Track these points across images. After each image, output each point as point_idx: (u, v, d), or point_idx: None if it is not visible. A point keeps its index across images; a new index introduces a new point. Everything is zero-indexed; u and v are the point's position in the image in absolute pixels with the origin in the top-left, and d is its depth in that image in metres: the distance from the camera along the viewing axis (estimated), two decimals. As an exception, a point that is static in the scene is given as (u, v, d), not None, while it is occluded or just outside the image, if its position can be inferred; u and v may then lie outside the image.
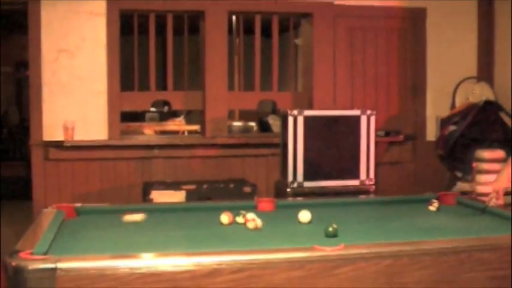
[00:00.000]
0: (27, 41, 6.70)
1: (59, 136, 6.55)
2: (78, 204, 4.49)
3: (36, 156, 6.64)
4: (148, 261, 3.02)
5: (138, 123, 8.28)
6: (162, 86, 7.28)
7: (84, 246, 3.52)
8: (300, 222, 4.13)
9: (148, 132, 7.70)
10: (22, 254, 2.98)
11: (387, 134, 7.10)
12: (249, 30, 7.45)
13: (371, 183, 6.22)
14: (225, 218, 4.02)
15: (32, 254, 3.01)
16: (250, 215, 3.96)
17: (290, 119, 6.05)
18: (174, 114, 8.89)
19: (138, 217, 4.14)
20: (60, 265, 2.86)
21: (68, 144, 6.50)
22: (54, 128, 6.60)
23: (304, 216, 4.13)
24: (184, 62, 7.35)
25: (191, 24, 7.33)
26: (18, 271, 2.88)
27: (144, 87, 7.09)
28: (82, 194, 6.56)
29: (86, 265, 2.93)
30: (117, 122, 6.76)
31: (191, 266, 2.99)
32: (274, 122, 8.62)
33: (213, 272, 2.97)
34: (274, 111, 8.19)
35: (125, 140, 6.80)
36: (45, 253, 3.07)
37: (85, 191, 6.62)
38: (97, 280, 2.88)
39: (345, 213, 4.37)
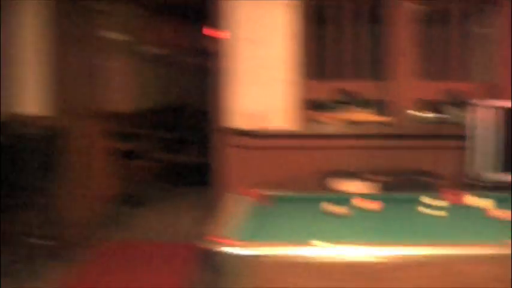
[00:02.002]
0: (209, 29, 6.81)
1: (243, 124, 6.67)
2: (269, 191, 4.57)
3: (220, 143, 6.79)
4: (349, 251, 3.02)
5: (323, 112, 8.27)
6: (348, 75, 7.21)
7: (279, 233, 3.57)
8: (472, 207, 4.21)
9: (333, 122, 7.68)
10: (224, 240, 3.06)
11: None
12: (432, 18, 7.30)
13: None
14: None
15: (237, 240, 3.07)
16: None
17: (477, 110, 5.89)
18: (358, 103, 8.80)
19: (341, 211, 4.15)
20: (263, 251, 2.91)
21: (254, 133, 6.61)
22: (238, 116, 6.73)
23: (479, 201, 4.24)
24: (373, 51, 7.30)
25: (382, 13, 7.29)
26: (222, 257, 2.95)
27: (330, 76, 7.08)
28: (264, 182, 6.63)
29: (288, 252, 2.97)
30: (303, 111, 6.80)
31: (387, 257, 2.98)
32: (455, 112, 8.42)
33: (422, 264, 2.98)
34: (456, 101, 7.99)
35: (311, 129, 6.82)
36: (245, 239, 3.14)
37: (267, 178, 6.69)
38: (298, 268, 2.91)
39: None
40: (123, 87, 10.49)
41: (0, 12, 6.80)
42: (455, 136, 6.50)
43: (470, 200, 4.42)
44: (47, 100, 6.91)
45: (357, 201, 4.32)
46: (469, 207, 4.35)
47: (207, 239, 3.09)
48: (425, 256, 3.01)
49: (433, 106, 8.08)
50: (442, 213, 4.09)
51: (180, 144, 11.49)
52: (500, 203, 4.35)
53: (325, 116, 7.74)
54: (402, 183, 6.23)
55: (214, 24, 6.90)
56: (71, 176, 7.06)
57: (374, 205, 4.28)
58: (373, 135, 6.81)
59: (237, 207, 4.04)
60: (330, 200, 4.29)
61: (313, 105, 7.28)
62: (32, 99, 6.91)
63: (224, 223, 3.55)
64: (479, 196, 4.43)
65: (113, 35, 9.24)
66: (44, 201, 6.30)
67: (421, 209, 4.18)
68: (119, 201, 8.92)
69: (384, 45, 6.99)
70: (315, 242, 3.05)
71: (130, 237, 7.91)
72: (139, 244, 7.61)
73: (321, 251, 3.00)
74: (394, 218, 4.07)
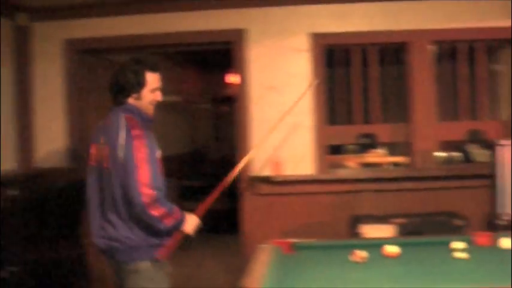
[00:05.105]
0: (226, 77, 6.87)
1: (267, 171, 6.67)
2: (295, 240, 4.55)
3: (245, 191, 6.78)
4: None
5: (341, 156, 8.27)
6: (366, 118, 7.20)
7: (307, 283, 3.54)
8: (502, 249, 4.23)
9: (351, 165, 7.68)
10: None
11: None
12: (451, 57, 7.28)
13: None
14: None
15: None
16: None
17: (500, 149, 5.86)
18: (380, 146, 8.76)
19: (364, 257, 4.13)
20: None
21: (277, 179, 6.61)
22: (263, 163, 6.73)
23: (507, 242, 4.25)
24: (389, 94, 7.29)
25: (394, 55, 7.29)
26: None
27: (349, 120, 7.09)
28: (290, 229, 6.62)
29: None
30: (323, 157, 6.80)
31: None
32: (477, 151, 8.38)
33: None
34: (477, 140, 7.96)
35: (332, 174, 6.81)
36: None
37: (293, 225, 6.67)
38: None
39: None
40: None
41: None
42: (481, 176, 6.45)
43: (498, 241, 4.37)
44: (68, 152, 6.94)
45: (383, 247, 4.28)
46: (497, 249, 4.30)
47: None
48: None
49: (457, 146, 8.06)
50: (469, 256, 4.05)
51: (201, 192, 11.44)
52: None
53: (347, 160, 7.73)
54: (429, 226, 6.17)
55: (236, 73, 6.94)
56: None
57: (400, 250, 4.24)
58: (397, 178, 6.77)
59: (262, 256, 4.03)
60: (355, 247, 4.26)
61: (335, 150, 7.28)
62: (53, 151, 6.94)
63: (253, 275, 3.54)
64: (507, 236, 4.38)
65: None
66: (70, 254, 6.29)
67: (450, 252, 4.13)
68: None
69: (405, 87, 6.97)
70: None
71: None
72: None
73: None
74: (422, 262, 4.02)
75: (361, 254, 4.07)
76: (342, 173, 6.95)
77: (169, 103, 12.01)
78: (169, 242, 4.05)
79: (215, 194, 4.72)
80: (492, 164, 6.00)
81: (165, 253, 4.03)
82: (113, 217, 4.00)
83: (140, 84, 4.09)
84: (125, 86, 4.07)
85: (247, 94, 6.85)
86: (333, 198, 6.72)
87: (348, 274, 3.74)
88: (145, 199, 3.79)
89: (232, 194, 6.66)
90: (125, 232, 3.97)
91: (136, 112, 4.10)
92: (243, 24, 6.83)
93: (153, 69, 4.16)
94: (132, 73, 4.08)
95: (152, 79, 4.15)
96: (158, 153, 4.07)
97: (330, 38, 6.82)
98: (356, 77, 6.97)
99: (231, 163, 6.91)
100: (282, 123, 6.71)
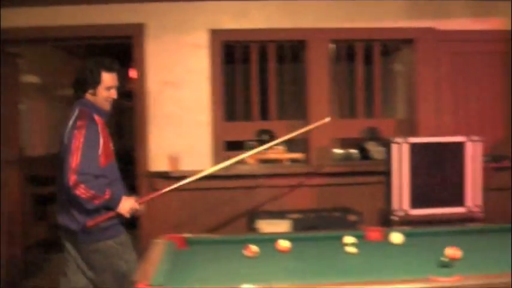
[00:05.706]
0: (129, 72, 6.82)
1: (164, 166, 6.65)
2: (189, 235, 4.56)
3: (143, 187, 6.75)
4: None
5: (238, 152, 8.29)
6: (265, 115, 7.26)
7: (199, 277, 3.55)
8: (392, 243, 4.39)
9: (250, 161, 7.72)
10: (141, 286, 3.04)
11: (494, 159, 6.92)
12: (348, 57, 7.40)
13: (478, 210, 6.07)
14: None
15: (150, 286, 3.06)
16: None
17: (394, 147, 5.98)
18: (279, 143, 8.84)
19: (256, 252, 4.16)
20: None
21: (174, 175, 6.57)
22: (160, 159, 6.72)
23: (396, 237, 4.43)
24: (287, 91, 7.36)
25: (293, 53, 7.37)
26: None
27: (247, 117, 7.14)
28: (187, 224, 6.62)
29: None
30: (221, 152, 6.82)
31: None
32: (374, 148, 8.55)
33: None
34: (374, 137, 8.13)
35: (230, 170, 6.83)
36: (162, 285, 3.12)
37: (191, 221, 6.68)
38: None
39: (454, 242, 4.24)
40: (41, 131, 10.33)
41: None
42: (377, 173, 6.57)
43: (388, 236, 4.48)
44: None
45: (277, 242, 4.32)
46: (387, 244, 4.40)
47: (130, 286, 3.10)
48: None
49: (354, 143, 8.19)
50: (359, 250, 4.13)
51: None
52: (416, 237, 4.44)
53: (246, 156, 7.76)
54: (324, 221, 6.27)
55: (135, 68, 6.90)
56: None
57: (291, 245, 4.29)
58: (294, 174, 6.85)
59: (160, 252, 4.02)
60: (249, 242, 4.28)
61: (236, 146, 7.32)
62: None
63: (146, 269, 3.53)
64: (399, 232, 4.49)
65: (30, 78, 9.13)
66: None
67: (342, 247, 4.21)
68: (38, 246, 8.73)
69: (302, 85, 7.06)
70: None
71: (48, 283, 7.72)
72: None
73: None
74: (313, 257, 4.08)
75: (252, 249, 4.11)
76: (240, 169, 6.98)
77: (69, 97, 11.82)
78: (101, 216, 4.43)
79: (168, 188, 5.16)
80: (387, 161, 6.11)
81: (94, 223, 4.39)
82: (68, 202, 4.41)
83: (96, 82, 4.58)
84: (82, 83, 4.59)
85: (145, 89, 6.81)
86: (230, 194, 6.76)
87: (239, 269, 3.76)
88: (69, 182, 4.23)
89: (132, 189, 6.63)
90: (80, 215, 4.41)
91: (91, 106, 4.58)
92: (142, 18, 6.79)
93: (109, 69, 4.65)
94: (89, 71, 4.58)
95: (107, 78, 4.63)
96: (106, 145, 4.62)
97: (229, 34, 6.86)
98: (254, 74, 7.03)
99: (134, 158, 6.91)
100: (180, 119, 6.76)
